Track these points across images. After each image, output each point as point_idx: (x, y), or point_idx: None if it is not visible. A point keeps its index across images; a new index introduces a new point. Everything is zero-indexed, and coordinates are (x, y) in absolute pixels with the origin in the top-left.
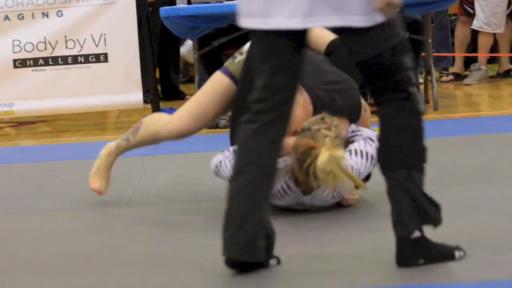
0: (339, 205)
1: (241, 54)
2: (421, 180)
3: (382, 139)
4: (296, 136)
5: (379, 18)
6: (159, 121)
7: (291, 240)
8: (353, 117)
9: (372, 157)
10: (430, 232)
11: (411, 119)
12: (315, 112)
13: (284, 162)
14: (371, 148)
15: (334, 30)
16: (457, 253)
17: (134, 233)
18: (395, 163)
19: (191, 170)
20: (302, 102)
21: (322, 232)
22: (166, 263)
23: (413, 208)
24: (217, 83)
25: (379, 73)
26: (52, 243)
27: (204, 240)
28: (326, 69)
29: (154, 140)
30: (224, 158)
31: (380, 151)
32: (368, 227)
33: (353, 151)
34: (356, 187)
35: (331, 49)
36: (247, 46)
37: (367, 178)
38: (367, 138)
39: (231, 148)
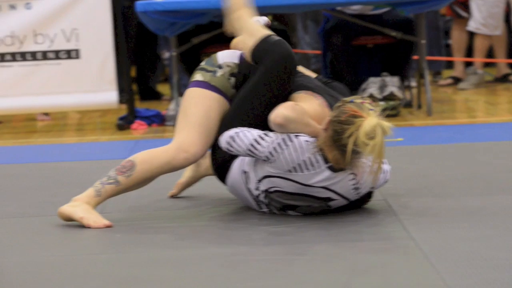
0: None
1: (220, 67)
2: None
3: None
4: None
5: None
6: (162, 154)
7: None
8: None
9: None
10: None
11: None
12: None
13: (312, 139)
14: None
15: None
16: None
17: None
18: None
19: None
20: (319, 103)
21: None
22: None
23: None
24: (209, 100)
25: None
26: (12, 250)
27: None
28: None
29: (160, 172)
30: (240, 130)
31: None
32: None
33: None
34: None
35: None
36: (222, 57)
37: (369, 195)
38: None
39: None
